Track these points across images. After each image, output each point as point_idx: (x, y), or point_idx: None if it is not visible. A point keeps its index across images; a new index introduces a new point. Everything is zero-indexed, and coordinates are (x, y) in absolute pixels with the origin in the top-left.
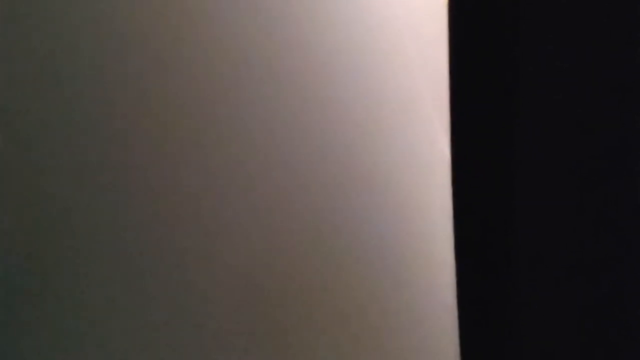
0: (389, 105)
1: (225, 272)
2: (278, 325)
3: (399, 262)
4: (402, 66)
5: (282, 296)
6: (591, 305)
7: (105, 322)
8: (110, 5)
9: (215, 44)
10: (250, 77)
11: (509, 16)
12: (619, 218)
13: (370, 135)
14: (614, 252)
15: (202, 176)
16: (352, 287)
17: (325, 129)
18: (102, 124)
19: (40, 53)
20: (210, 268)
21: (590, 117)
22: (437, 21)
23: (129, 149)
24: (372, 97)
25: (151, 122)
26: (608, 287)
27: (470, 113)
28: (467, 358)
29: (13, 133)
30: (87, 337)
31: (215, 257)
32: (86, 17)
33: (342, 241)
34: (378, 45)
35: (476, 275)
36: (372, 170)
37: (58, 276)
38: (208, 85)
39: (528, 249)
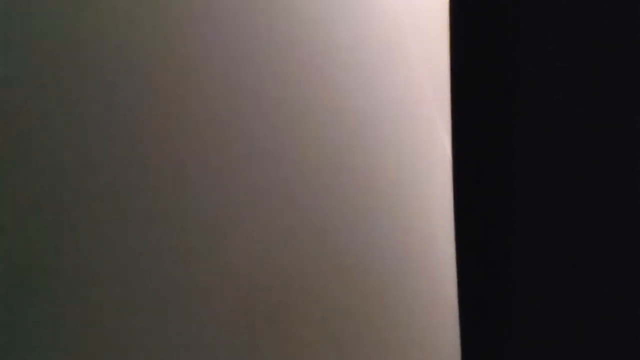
0: (391, 104)
1: (227, 270)
2: (278, 324)
3: (400, 260)
4: (403, 65)
5: (281, 294)
6: (591, 305)
7: (105, 323)
8: (112, 4)
9: (217, 43)
10: (252, 76)
11: (509, 16)
12: (619, 218)
13: (371, 133)
14: (614, 252)
15: (203, 176)
16: (353, 285)
17: (326, 127)
18: (105, 123)
19: (40, 53)
20: (212, 267)
21: (590, 117)
22: (438, 20)
23: (130, 149)
24: (374, 95)
25: (154, 122)
26: (608, 287)
27: (471, 113)
28: (467, 357)
29: (13, 133)
30: (87, 338)
31: (216, 255)
32: (88, 17)
33: (342, 239)
34: (380, 44)
35: (477, 274)
36: (373, 168)
37: (58, 277)
38: (210, 84)
39: (528, 248)
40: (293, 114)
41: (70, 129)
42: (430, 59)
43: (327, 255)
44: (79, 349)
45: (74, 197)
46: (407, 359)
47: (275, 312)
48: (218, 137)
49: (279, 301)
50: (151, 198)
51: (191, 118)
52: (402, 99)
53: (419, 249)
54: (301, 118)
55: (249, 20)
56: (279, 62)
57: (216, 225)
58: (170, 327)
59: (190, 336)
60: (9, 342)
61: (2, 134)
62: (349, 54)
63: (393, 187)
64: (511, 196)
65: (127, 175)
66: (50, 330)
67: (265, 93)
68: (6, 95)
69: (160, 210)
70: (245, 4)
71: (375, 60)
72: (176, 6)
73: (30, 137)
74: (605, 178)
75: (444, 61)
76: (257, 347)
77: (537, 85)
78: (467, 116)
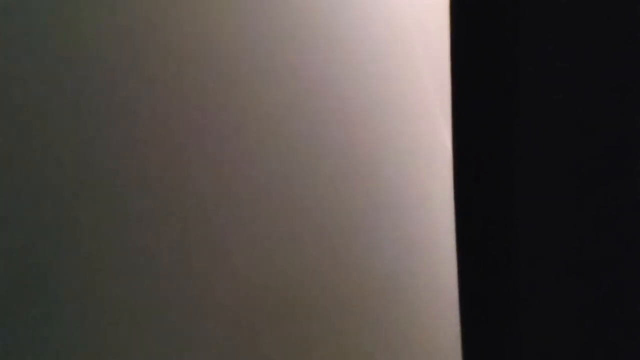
0: (392, 101)
1: (228, 270)
2: (279, 322)
3: (400, 258)
4: (405, 63)
5: (281, 292)
6: (591, 305)
7: (105, 323)
8: (114, 4)
9: (220, 44)
10: (253, 76)
11: (509, 16)
12: (619, 218)
13: (372, 130)
14: (614, 251)
15: (204, 176)
16: (353, 284)
17: (327, 125)
18: (106, 121)
19: (39, 52)
20: (214, 269)
21: (590, 117)
22: (439, 18)
23: (131, 149)
24: (375, 92)
25: (155, 122)
26: (608, 287)
27: (472, 112)
28: (467, 356)
29: (14, 133)
30: (87, 338)
31: (218, 257)
32: (90, 17)
33: (342, 237)
34: (382, 42)
35: (477, 272)
36: (374, 164)
37: (58, 277)
38: (211, 83)
39: (528, 247)
40: (294, 112)
41: (71, 127)
42: (431, 57)
43: (327, 253)
44: (79, 349)
45: (74, 196)
46: (408, 357)
47: (275, 311)
48: (218, 136)
49: (279, 300)
50: (152, 198)
51: (193, 117)
52: (403, 97)
53: (419, 247)
54: (302, 116)
55: (250, 18)
56: (280, 61)
57: (217, 226)
58: (170, 327)
59: (190, 337)
60: (9, 342)
61: (3, 134)
62: (351, 51)
63: (393, 185)
64: (511, 195)
65: (127, 175)
66: (50, 331)
67: (266, 91)
68: (6, 93)
69: (160, 211)
70: (248, 2)
71: (377, 58)
72: (181, 5)
73: (31, 137)
74: (605, 178)
75: (444, 60)
76: (258, 345)
77: (537, 85)
78: (467, 115)
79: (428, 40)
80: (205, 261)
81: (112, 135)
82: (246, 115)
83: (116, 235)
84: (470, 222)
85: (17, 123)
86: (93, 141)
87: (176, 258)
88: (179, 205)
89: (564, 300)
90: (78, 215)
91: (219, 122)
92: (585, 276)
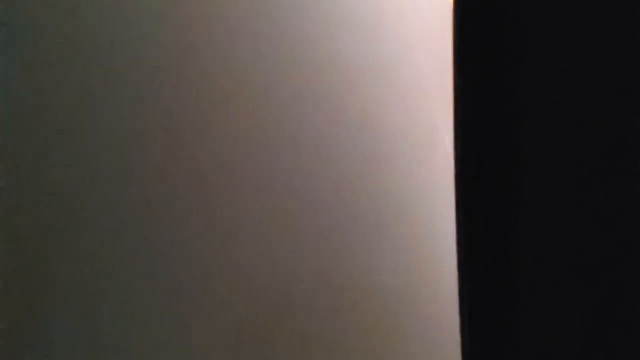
0: (393, 102)
1: (229, 272)
2: (279, 322)
3: (401, 257)
4: (406, 63)
5: (283, 290)
6: (591, 305)
7: (105, 323)
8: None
9: (222, 47)
10: (259, 79)
11: (509, 17)
12: (619, 218)
13: (373, 131)
14: (614, 251)
15: (207, 176)
16: (353, 283)
17: (327, 125)
18: (110, 122)
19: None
20: (213, 269)
21: (590, 117)
22: (441, 20)
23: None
24: (376, 93)
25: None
26: (608, 287)
27: (472, 113)
28: (467, 356)
29: (14, 132)
30: (87, 338)
31: (218, 257)
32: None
33: (342, 237)
34: (384, 44)
35: (477, 272)
36: (375, 165)
37: (58, 277)
38: (218, 85)
39: (529, 248)
40: (295, 114)
41: (74, 128)
42: (433, 58)
43: (327, 253)
44: (79, 349)
45: (77, 196)
46: (408, 355)
47: (276, 309)
48: (220, 136)
49: (279, 298)
50: (152, 198)
51: (197, 119)
52: (404, 98)
53: (419, 247)
54: (303, 117)
55: (255, 23)
56: (281, 61)
57: (219, 226)
58: (170, 327)
59: (190, 337)
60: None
61: (4, 133)
62: (353, 53)
63: (394, 185)
64: (511, 195)
65: (128, 175)
66: (50, 330)
67: (267, 93)
68: (8, 94)
69: (161, 211)
70: (253, 7)
71: (379, 60)
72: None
73: (32, 136)
74: (605, 178)
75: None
76: (260, 344)
77: (537, 85)
78: (468, 115)
79: (430, 42)
80: (207, 262)
81: (116, 134)
82: (247, 116)
83: (116, 235)
84: (471, 222)
85: (17, 123)
86: (94, 141)
87: (176, 258)
88: (180, 205)
89: (564, 300)
90: (78, 216)
91: (222, 123)
92: (585, 276)
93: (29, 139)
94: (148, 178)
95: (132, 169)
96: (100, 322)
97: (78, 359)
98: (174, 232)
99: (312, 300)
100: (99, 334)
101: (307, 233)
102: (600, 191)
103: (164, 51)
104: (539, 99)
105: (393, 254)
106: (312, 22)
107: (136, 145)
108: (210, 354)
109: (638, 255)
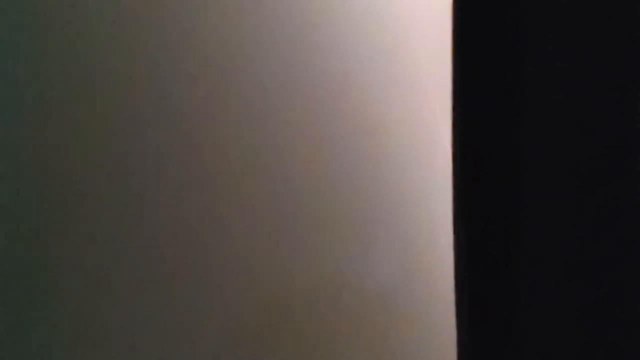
0: (392, 102)
1: (228, 272)
2: (279, 323)
3: (399, 258)
4: (405, 63)
5: (280, 292)
6: (591, 305)
7: (105, 323)
8: (116, 5)
9: (222, 45)
10: (256, 78)
11: (509, 15)
12: (619, 218)
13: (371, 130)
14: (614, 251)
15: (206, 176)
16: (351, 284)
17: (326, 125)
18: (109, 122)
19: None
20: (214, 270)
21: (590, 117)
22: (440, 19)
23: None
24: (375, 93)
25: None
26: (608, 287)
27: (471, 113)
28: (467, 356)
29: (14, 132)
30: (87, 338)
31: (216, 253)
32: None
33: (341, 237)
34: (383, 43)
35: (476, 273)
36: (374, 165)
37: (59, 277)
38: (218, 85)
39: (528, 247)
40: (294, 114)
41: (71, 126)
42: (431, 58)
43: (327, 253)
44: (78, 349)
45: (76, 196)
46: (406, 356)
47: (274, 311)
48: (218, 136)
49: (276, 300)
50: (154, 199)
51: (197, 117)
52: (403, 98)
53: (418, 247)
54: (302, 117)
55: (251, 21)
56: (281, 61)
57: (219, 227)
58: (170, 327)
59: (191, 337)
60: (9, 341)
61: (4, 133)
62: (352, 52)
63: (393, 185)
64: (510, 195)
65: (127, 175)
66: (50, 330)
67: (267, 93)
68: (7, 95)
69: (161, 211)
70: (249, 5)
71: (377, 59)
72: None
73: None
74: (605, 178)
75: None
76: (258, 345)
77: (537, 85)
78: (467, 115)
79: (429, 41)
80: (207, 262)
81: (114, 134)
82: (243, 114)
83: (116, 235)
84: (470, 222)
85: (17, 123)
86: (95, 141)
87: (177, 258)
88: (181, 205)
89: (564, 300)
90: (78, 216)
91: (220, 120)
92: (585, 276)
93: (28, 139)
94: (148, 178)
95: (132, 168)
96: (100, 322)
97: (78, 359)
98: (174, 232)
99: (311, 299)
100: (99, 334)
101: (304, 234)
102: (600, 191)
103: (163, 51)
104: (539, 98)
105: (392, 253)
106: (311, 22)
107: (136, 145)
108: (210, 354)
109: (638, 255)
